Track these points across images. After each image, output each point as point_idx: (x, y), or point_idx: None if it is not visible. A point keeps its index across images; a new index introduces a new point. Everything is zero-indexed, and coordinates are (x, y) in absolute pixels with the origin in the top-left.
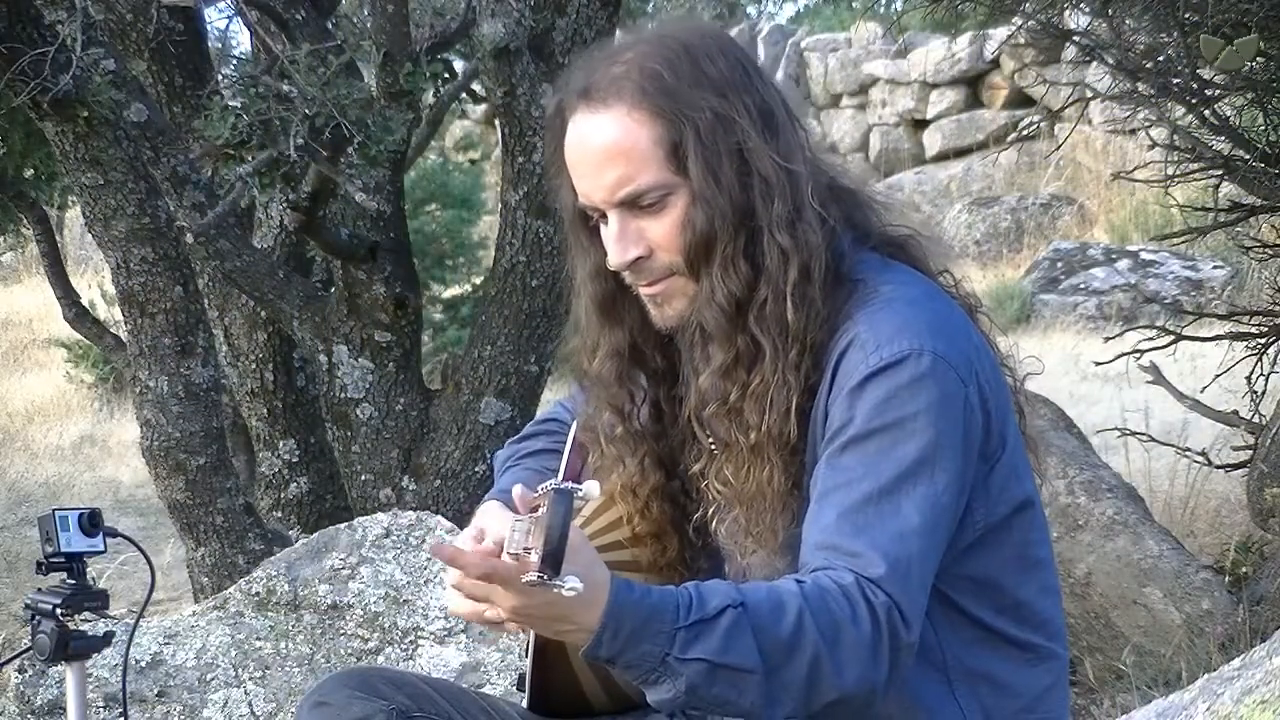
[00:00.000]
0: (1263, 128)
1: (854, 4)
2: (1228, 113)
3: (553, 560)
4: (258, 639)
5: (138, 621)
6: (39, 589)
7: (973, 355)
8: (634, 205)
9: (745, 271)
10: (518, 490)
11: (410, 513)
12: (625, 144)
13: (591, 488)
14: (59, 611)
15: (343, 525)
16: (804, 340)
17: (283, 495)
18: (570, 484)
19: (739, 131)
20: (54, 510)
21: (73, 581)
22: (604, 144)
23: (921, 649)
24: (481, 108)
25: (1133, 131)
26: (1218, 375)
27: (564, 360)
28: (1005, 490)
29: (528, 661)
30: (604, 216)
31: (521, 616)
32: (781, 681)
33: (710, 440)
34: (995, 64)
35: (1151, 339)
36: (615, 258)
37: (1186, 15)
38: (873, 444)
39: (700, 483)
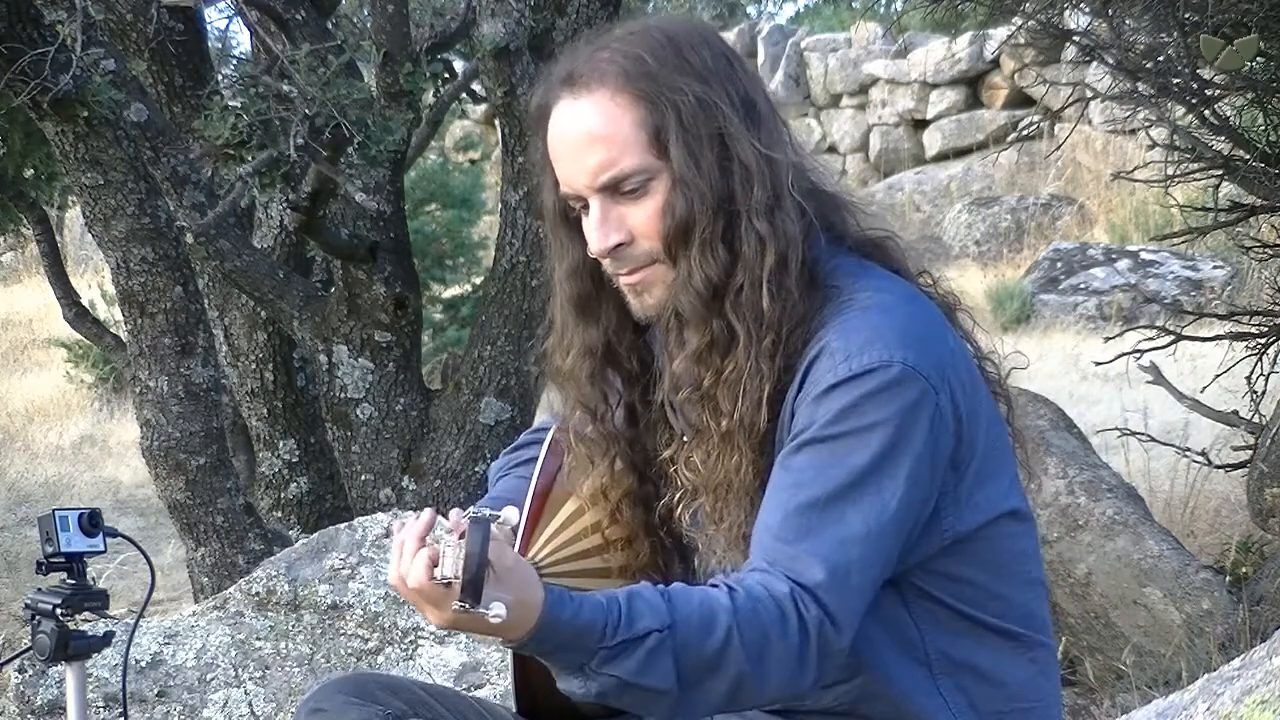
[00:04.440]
0: (1263, 128)
1: (854, 4)
2: (1228, 113)
3: (472, 589)
4: (258, 639)
5: (138, 621)
6: (39, 589)
7: (946, 361)
8: (615, 191)
9: (723, 257)
10: (453, 516)
11: (410, 513)
12: (608, 128)
13: (510, 513)
14: (59, 611)
15: (343, 525)
16: (779, 330)
17: (283, 495)
18: (488, 511)
19: (721, 117)
20: (54, 510)
21: (73, 581)
22: (587, 129)
23: (903, 643)
24: (481, 108)
25: (1133, 131)
26: (1218, 375)
27: (540, 362)
28: (974, 495)
29: (509, 667)
30: (585, 207)
31: (452, 627)
32: (700, 694)
33: (682, 425)
34: (995, 64)
35: (1151, 339)
36: (596, 244)
37: (1186, 15)
38: (826, 449)
39: (669, 468)
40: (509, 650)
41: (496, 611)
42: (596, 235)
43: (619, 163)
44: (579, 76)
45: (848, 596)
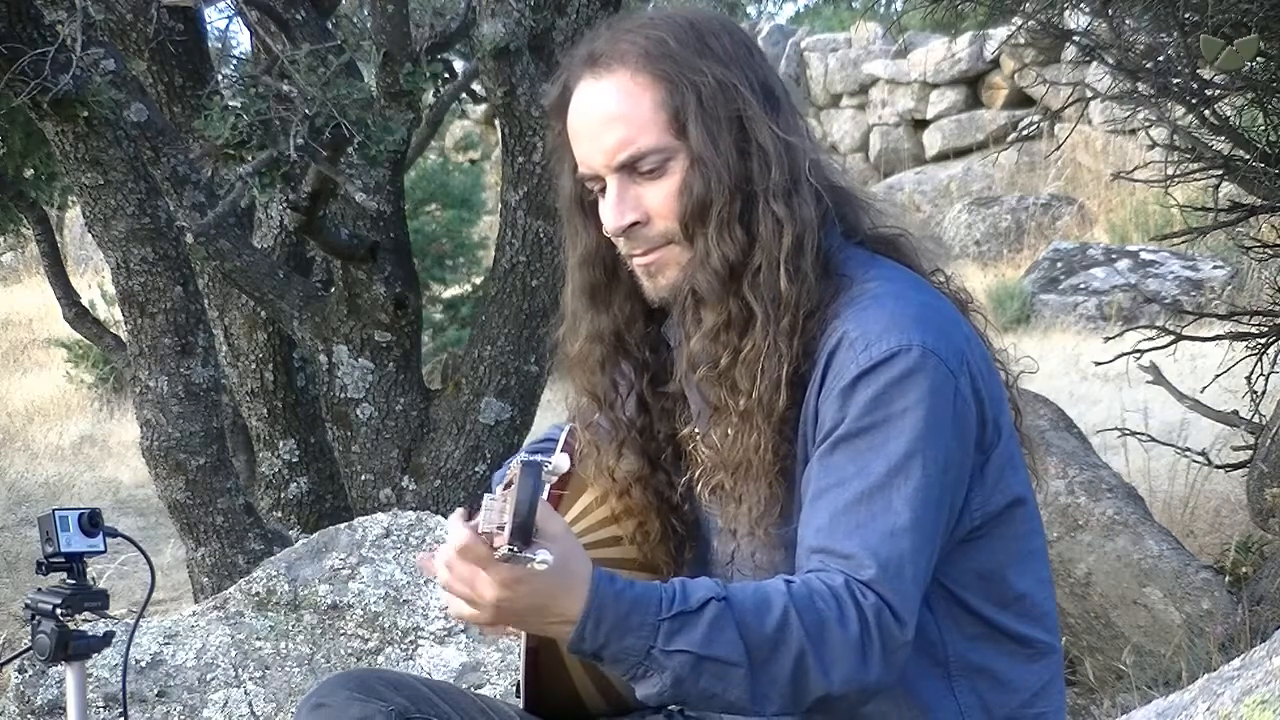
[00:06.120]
0: (1263, 128)
1: (854, 4)
2: (1228, 113)
3: (521, 532)
4: (258, 639)
5: (138, 621)
6: (39, 589)
7: (963, 345)
8: (633, 170)
9: (740, 237)
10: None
11: (410, 513)
12: (627, 107)
13: (560, 461)
14: (59, 611)
15: (343, 525)
16: (796, 312)
17: (283, 495)
18: (539, 458)
19: (740, 100)
20: (54, 510)
21: (73, 581)
22: (607, 108)
23: (923, 645)
24: (481, 108)
25: (1133, 131)
26: (1218, 375)
27: (555, 351)
28: (1002, 480)
29: (521, 664)
30: (603, 190)
31: (504, 612)
32: (768, 675)
33: (700, 404)
34: (995, 64)
35: (1151, 339)
36: (612, 222)
37: (1186, 15)
38: (862, 441)
39: (689, 445)
40: (522, 643)
41: (543, 558)
42: (612, 213)
43: (637, 141)
44: (600, 57)
45: (903, 588)
